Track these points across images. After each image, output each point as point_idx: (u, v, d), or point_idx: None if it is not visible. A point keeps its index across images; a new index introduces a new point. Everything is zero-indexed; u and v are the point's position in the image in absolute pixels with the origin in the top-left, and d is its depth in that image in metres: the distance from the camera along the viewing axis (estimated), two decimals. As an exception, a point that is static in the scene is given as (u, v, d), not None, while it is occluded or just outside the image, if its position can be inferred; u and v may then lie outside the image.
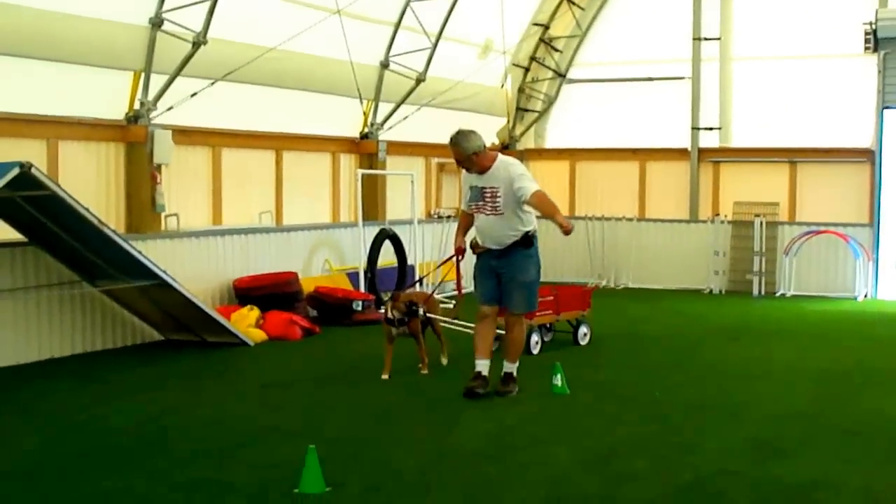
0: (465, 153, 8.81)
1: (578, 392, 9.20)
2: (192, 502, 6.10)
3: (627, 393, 9.37)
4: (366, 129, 16.34)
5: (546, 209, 8.88)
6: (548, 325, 11.55)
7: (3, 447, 7.44)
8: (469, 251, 9.28)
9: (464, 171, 9.14)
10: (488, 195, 8.81)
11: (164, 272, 10.66)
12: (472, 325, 10.04)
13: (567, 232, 8.75)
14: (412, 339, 10.07)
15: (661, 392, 9.36)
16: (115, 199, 12.38)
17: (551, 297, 11.34)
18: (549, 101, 20.24)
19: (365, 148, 16.40)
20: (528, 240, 8.91)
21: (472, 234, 9.29)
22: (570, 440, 7.61)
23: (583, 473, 6.71)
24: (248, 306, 12.47)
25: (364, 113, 16.23)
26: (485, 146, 8.94)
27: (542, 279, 9.38)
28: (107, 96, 12.21)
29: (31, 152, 10.95)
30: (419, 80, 16.33)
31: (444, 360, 10.40)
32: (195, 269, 12.54)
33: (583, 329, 11.84)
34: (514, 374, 9.19)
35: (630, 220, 18.77)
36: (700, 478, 6.61)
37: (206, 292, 12.63)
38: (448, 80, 17.12)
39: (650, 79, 19.01)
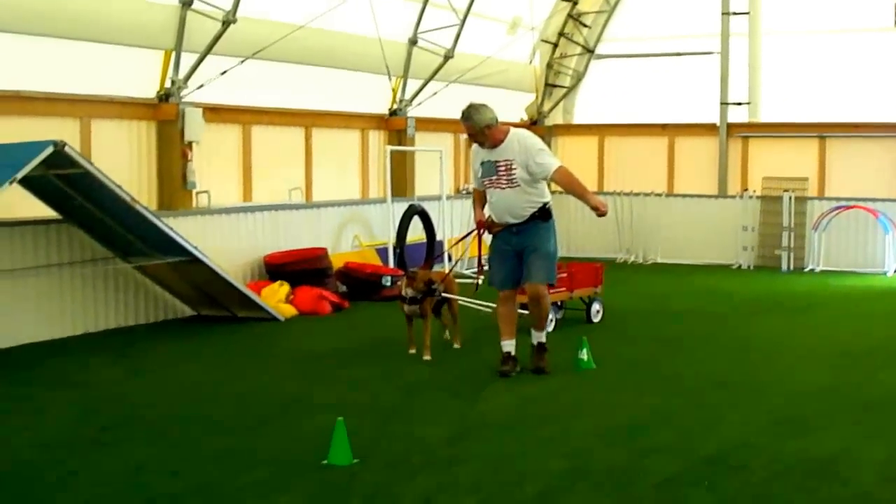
0: (478, 126, 8.74)
1: (604, 366, 9.29)
2: (222, 472, 6.24)
3: (652, 368, 9.46)
4: (394, 106, 16.42)
5: (575, 189, 8.86)
6: (559, 304, 11.38)
7: (41, 419, 7.62)
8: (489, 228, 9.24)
9: (473, 147, 9.10)
10: (503, 168, 8.73)
11: (196, 248, 10.80)
12: (486, 303, 10.11)
13: (602, 213, 8.77)
14: (435, 319, 10.10)
15: (687, 367, 9.43)
16: (147, 177, 12.52)
17: (565, 275, 11.16)
18: (578, 77, 20.24)
19: (394, 124, 16.48)
20: (545, 212, 8.82)
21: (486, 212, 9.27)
22: (595, 414, 7.71)
23: (606, 446, 6.81)
24: (279, 282, 12.62)
25: (393, 90, 16.30)
26: (497, 119, 8.87)
27: (567, 255, 9.42)
28: (138, 75, 12.35)
29: (64, 131, 11.12)
30: (447, 56, 16.37)
31: (457, 345, 10.20)
32: (226, 245, 12.69)
33: (595, 306, 11.74)
34: (545, 342, 9.19)
35: (659, 195, 18.77)
36: (723, 451, 6.69)
37: (237, 268, 12.79)
38: (476, 57, 17.16)
39: (679, 54, 18.95)
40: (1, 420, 7.62)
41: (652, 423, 7.42)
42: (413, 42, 16.10)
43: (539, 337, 9.18)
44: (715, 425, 7.36)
